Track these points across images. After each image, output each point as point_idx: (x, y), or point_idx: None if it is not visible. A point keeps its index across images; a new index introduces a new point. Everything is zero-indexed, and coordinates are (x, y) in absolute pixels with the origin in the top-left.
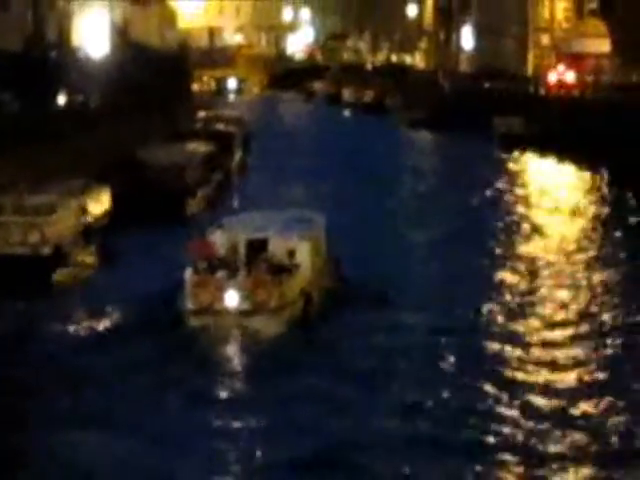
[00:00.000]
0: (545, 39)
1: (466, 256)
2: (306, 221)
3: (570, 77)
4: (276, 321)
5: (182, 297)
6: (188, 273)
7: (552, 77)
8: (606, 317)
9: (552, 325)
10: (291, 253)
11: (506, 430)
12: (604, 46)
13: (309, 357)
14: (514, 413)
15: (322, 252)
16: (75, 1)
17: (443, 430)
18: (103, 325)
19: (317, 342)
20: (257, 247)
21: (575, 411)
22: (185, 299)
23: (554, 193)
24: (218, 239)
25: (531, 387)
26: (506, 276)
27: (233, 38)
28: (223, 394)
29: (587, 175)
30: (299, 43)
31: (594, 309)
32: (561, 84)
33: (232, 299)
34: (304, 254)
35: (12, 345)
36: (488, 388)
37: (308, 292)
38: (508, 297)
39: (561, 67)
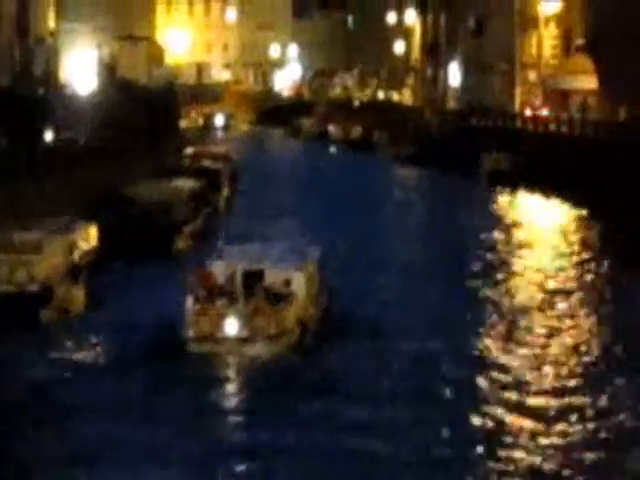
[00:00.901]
0: (532, 76)
1: (452, 290)
2: (301, 252)
3: (544, 112)
4: (274, 348)
5: (183, 325)
6: (189, 302)
7: (527, 112)
8: (593, 353)
9: (537, 360)
10: (287, 283)
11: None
12: (591, 83)
13: (306, 382)
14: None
15: (316, 282)
16: (63, 38)
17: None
18: (91, 359)
19: (314, 367)
20: (254, 277)
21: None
22: (186, 327)
23: (540, 230)
24: (217, 269)
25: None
26: (490, 311)
27: (221, 74)
28: (225, 417)
29: (573, 211)
30: (286, 79)
31: (579, 345)
32: (536, 118)
33: (232, 326)
34: (299, 284)
35: None
36: (474, 414)
37: (304, 320)
38: (492, 330)
39: (536, 102)
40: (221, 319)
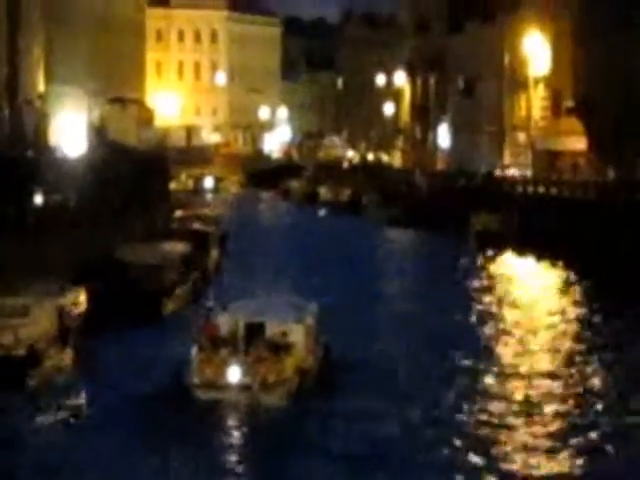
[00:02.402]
0: (521, 137)
1: (441, 350)
2: (300, 307)
3: (514, 172)
4: (275, 395)
5: (188, 372)
6: (194, 351)
7: (498, 172)
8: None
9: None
10: (286, 335)
11: None
12: (580, 144)
13: (306, 429)
14: None
15: (314, 336)
16: (52, 100)
17: None
18: (78, 421)
19: (313, 415)
20: (256, 329)
21: None
22: (191, 374)
23: (529, 292)
24: (221, 321)
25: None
26: (479, 372)
27: (210, 137)
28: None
29: (563, 272)
30: (276, 141)
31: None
32: (505, 179)
33: (234, 374)
34: (298, 336)
35: None
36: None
37: (302, 369)
38: (481, 389)
39: (506, 162)
40: (224, 367)
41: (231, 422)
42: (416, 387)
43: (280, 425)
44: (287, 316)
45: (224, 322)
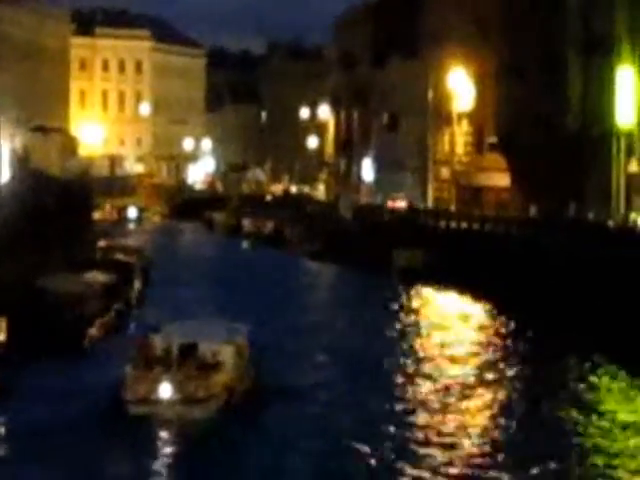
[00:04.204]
0: (445, 172)
1: (357, 372)
2: (231, 329)
3: (402, 205)
4: (203, 410)
5: (122, 389)
6: (128, 368)
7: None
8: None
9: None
10: (216, 355)
11: None
12: (503, 180)
13: (231, 438)
14: None
15: (244, 356)
16: None
17: None
18: None
19: (238, 427)
20: (189, 349)
21: None
22: (125, 391)
23: (450, 327)
24: (155, 341)
25: None
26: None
27: (134, 167)
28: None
29: (484, 307)
30: (200, 173)
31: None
32: (394, 210)
33: (166, 391)
34: (227, 356)
35: None
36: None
37: (230, 387)
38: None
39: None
40: (156, 384)
41: (159, 434)
42: (334, 403)
43: (205, 437)
44: (218, 337)
45: (159, 342)
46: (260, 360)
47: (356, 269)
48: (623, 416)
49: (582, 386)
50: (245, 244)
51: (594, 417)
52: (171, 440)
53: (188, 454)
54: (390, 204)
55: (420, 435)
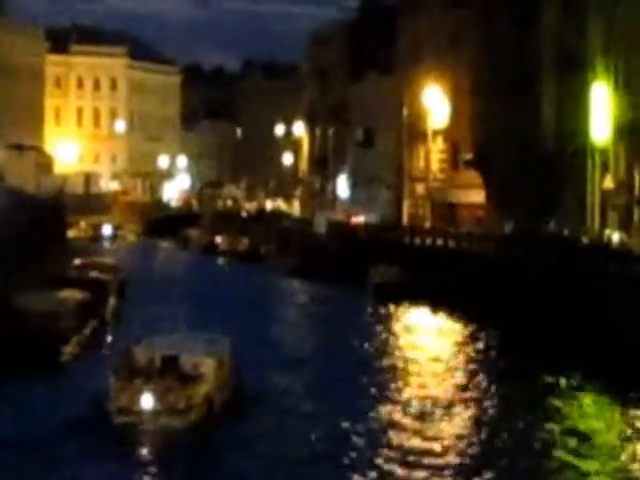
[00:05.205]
0: (420, 189)
1: (330, 386)
2: (213, 342)
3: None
4: (183, 420)
5: (107, 399)
6: (112, 380)
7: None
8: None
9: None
10: (197, 367)
11: None
12: (478, 197)
13: (209, 447)
14: None
15: (225, 367)
16: None
17: None
18: None
19: (217, 437)
20: (170, 361)
21: None
22: (109, 401)
23: (422, 343)
24: (138, 353)
25: None
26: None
27: (109, 185)
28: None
29: (458, 324)
30: (175, 190)
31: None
32: (355, 226)
33: (147, 401)
34: (209, 368)
35: None
36: None
37: (211, 398)
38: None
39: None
40: (138, 395)
41: (143, 441)
42: (310, 412)
43: (184, 446)
44: (199, 349)
45: (142, 354)
46: (241, 371)
47: (331, 286)
48: (593, 433)
49: (554, 403)
50: (220, 261)
51: (564, 435)
52: (151, 449)
53: (166, 463)
54: (352, 220)
55: (389, 452)
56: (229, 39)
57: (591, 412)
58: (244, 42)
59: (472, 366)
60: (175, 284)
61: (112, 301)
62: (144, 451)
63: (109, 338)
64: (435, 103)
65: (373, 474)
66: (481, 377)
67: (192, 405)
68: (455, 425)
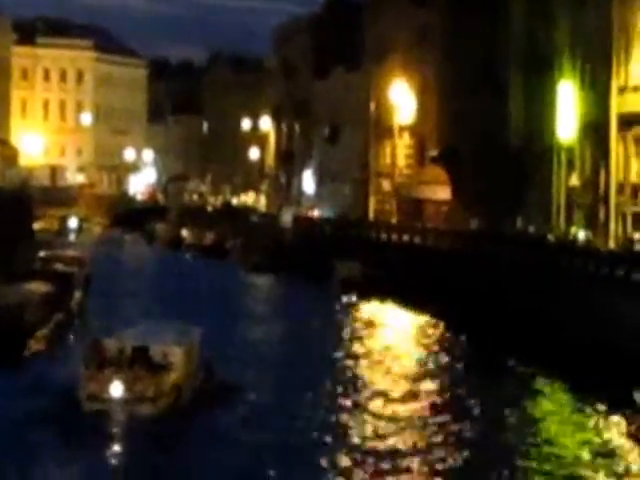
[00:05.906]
0: (386, 185)
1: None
2: (182, 332)
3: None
4: (152, 408)
5: (78, 387)
6: (82, 369)
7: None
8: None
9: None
10: (166, 356)
11: None
12: (444, 193)
13: (175, 432)
14: None
15: (195, 356)
16: None
17: None
18: None
19: (184, 423)
20: (140, 351)
21: None
22: (79, 389)
23: (388, 340)
24: (109, 344)
25: None
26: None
27: (75, 177)
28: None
29: (422, 320)
30: (141, 183)
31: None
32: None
33: (117, 389)
34: (177, 357)
35: None
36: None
37: (179, 386)
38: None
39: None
40: (108, 383)
41: (113, 428)
42: (278, 401)
43: (152, 432)
44: (169, 339)
45: (112, 345)
46: (211, 360)
47: (298, 281)
48: (560, 434)
49: (521, 401)
50: (186, 255)
51: (524, 436)
52: (119, 436)
53: (133, 449)
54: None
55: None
56: (196, 33)
57: (543, 397)
58: (211, 36)
59: (431, 359)
60: (140, 277)
61: (77, 293)
62: (112, 439)
63: (75, 330)
64: (402, 99)
65: (335, 459)
66: (440, 370)
67: (161, 393)
68: (412, 409)
